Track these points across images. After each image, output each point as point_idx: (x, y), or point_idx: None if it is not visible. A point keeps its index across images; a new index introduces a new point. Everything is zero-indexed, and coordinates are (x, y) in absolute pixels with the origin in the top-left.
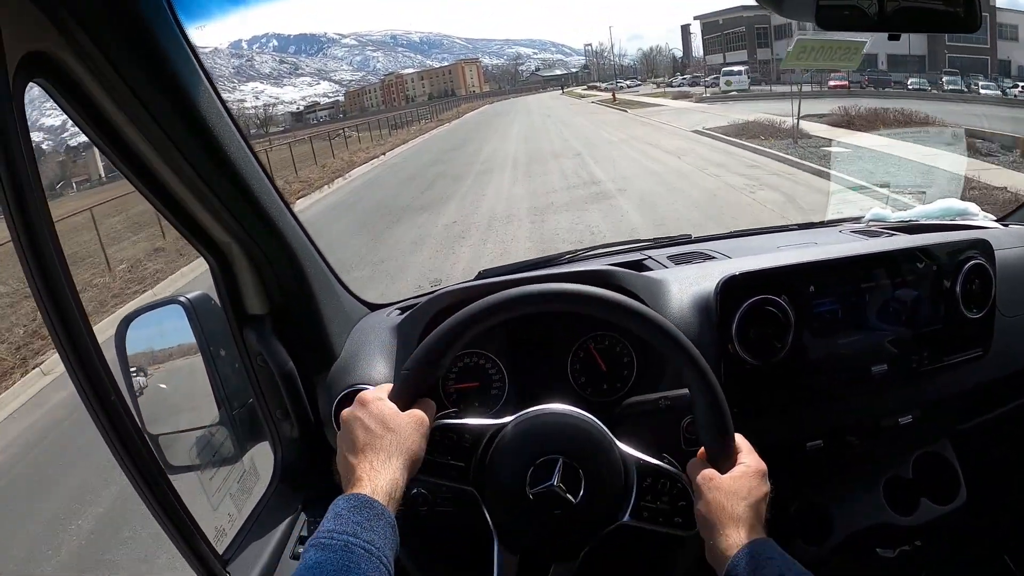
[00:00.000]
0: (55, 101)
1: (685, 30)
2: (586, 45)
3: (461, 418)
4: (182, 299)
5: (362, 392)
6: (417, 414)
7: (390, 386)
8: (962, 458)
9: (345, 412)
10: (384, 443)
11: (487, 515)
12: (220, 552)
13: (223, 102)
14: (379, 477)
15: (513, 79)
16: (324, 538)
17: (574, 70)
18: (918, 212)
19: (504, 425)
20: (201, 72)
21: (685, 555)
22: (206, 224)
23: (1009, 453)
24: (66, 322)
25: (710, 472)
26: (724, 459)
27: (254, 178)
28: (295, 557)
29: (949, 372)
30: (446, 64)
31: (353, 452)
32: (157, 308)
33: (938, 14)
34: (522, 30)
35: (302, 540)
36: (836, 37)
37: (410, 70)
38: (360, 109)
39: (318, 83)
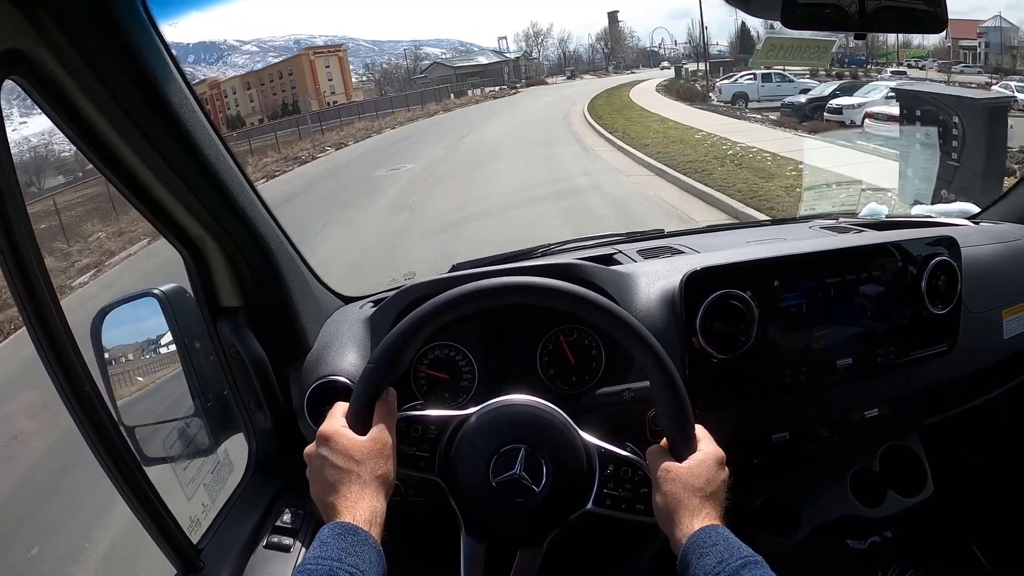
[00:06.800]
0: (31, 97)
1: (612, 17)
2: (500, 38)
3: (426, 410)
4: (157, 292)
5: (321, 428)
6: (380, 439)
7: (345, 406)
8: (929, 452)
9: (308, 450)
10: (354, 476)
11: (453, 504)
12: (195, 542)
13: (196, 97)
14: (357, 507)
15: (406, 81)
16: (311, 564)
17: (512, 55)
18: (928, 210)
19: (468, 416)
20: (174, 68)
21: (652, 544)
22: (179, 217)
23: (976, 447)
24: (40, 313)
25: (668, 464)
26: (684, 447)
27: (227, 172)
28: (269, 546)
29: (915, 367)
30: (283, 59)
31: (327, 492)
32: (132, 301)
33: (908, 13)
34: (430, 30)
35: (276, 530)
36: (806, 36)
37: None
38: None
39: None
